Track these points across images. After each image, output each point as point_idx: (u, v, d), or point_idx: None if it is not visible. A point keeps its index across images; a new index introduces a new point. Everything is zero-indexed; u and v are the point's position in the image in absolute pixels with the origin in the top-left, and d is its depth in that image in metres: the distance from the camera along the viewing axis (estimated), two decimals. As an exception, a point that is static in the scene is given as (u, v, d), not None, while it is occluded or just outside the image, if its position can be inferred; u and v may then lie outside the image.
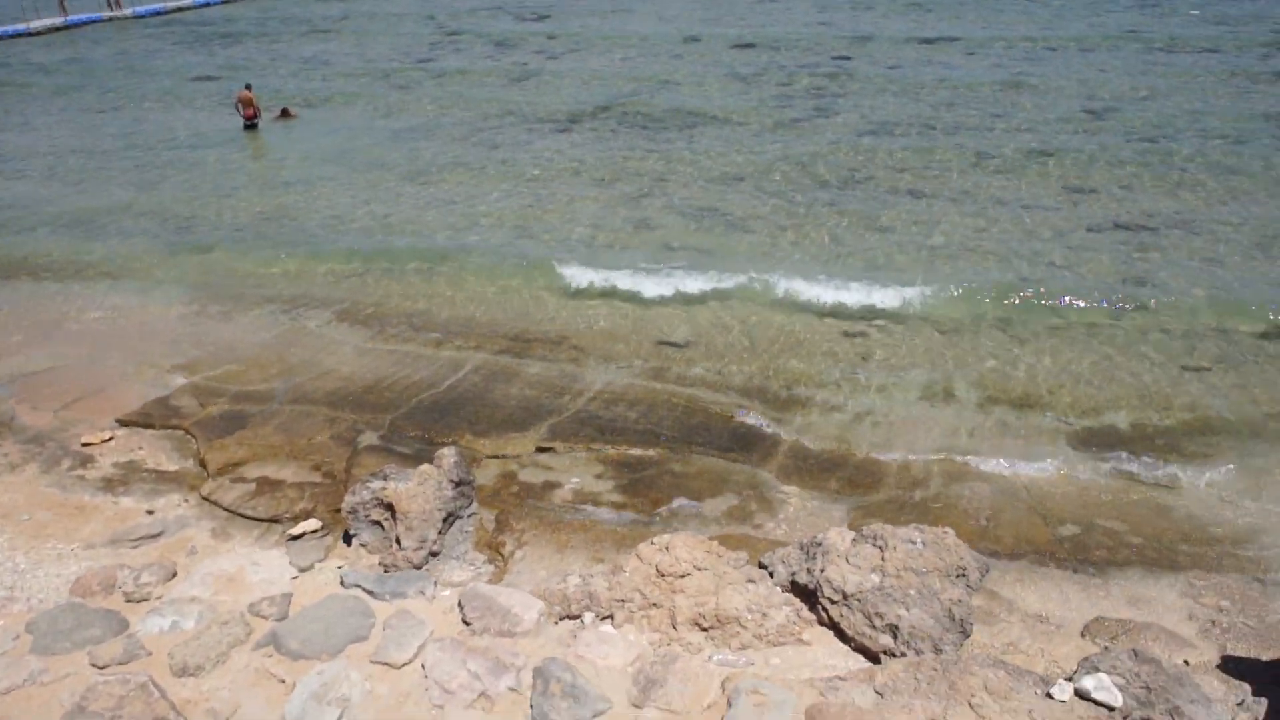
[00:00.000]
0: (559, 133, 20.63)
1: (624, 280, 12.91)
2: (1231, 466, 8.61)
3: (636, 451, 9.05)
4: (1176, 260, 12.89)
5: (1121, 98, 21.43)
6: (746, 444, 9.16)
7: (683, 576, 6.07)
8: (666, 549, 6.18)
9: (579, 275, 13.12)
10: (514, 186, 17.19)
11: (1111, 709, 5.23)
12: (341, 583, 6.05)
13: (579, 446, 9.14)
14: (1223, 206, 14.73)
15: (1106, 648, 6.08)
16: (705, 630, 6.03)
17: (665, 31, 33.50)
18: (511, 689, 4.87)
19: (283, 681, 4.99)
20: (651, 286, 12.71)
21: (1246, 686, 5.88)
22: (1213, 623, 6.69)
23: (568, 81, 25.96)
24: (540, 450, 9.11)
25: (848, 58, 27.18)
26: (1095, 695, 5.23)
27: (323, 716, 4.69)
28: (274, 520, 7.94)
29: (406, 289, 13.12)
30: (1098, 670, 5.54)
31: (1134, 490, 8.36)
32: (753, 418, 9.61)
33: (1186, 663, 6.20)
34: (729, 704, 4.64)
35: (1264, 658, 6.24)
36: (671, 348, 11.14)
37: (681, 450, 9.05)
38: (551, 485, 8.55)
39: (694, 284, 12.68)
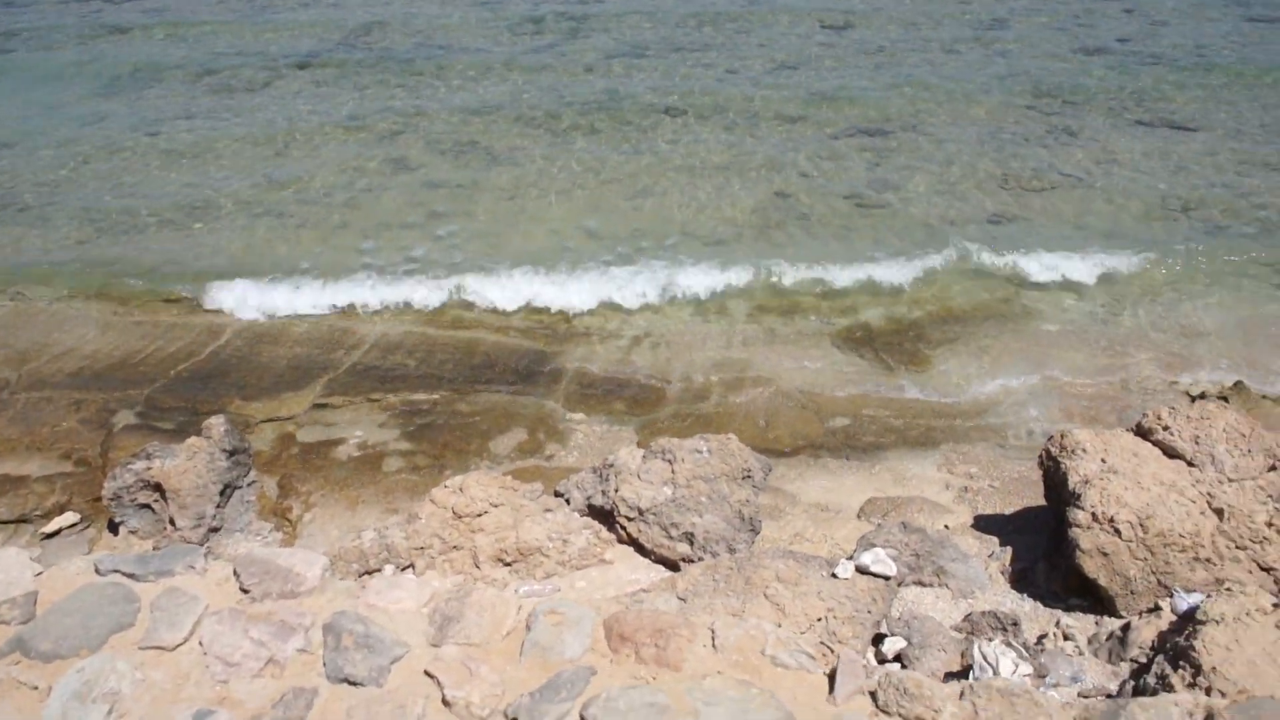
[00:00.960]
0: (299, 70, 19.38)
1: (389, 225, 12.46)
2: (970, 348, 9.50)
3: (420, 396, 8.86)
4: (911, 162, 13.87)
5: (854, 13, 22.55)
6: (531, 378, 9.17)
7: (480, 515, 6.05)
8: (461, 490, 6.13)
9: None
10: (254, 132, 16.04)
11: (888, 578, 5.72)
12: (97, 570, 5.55)
13: (359, 399, 8.84)
14: (943, 109, 15.95)
15: (879, 524, 6.61)
16: (509, 565, 6.06)
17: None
18: (301, 650, 4.70)
19: (35, 688, 4.57)
20: (415, 226, 12.32)
21: (994, 539, 6.60)
22: (965, 489, 7.43)
23: (307, 14, 24.34)
24: (318, 407, 8.74)
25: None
26: (873, 568, 5.69)
27: (89, 716, 4.35)
28: (22, 521, 7.22)
29: (149, 251, 12.04)
30: (873, 546, 6.03)
31: (892, 377, 9.07)
32: (530, 353, 9.62)
33: (946, 527, 6.87)
34: (527, 628, 4.70)
35: (1007, 512, 7.01)
36: (447, 290, 10.91)
37: (466, 391, 8.95)
38: (334, 442, 8.25)
39: (458, 224, 12.40)
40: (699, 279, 10.86)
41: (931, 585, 6.10)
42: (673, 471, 6.43)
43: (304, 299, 10.57)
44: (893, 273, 10.93)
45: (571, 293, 10.65)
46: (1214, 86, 17.06)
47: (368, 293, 10.63)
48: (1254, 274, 10.87)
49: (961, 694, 4.16)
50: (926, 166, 13.68)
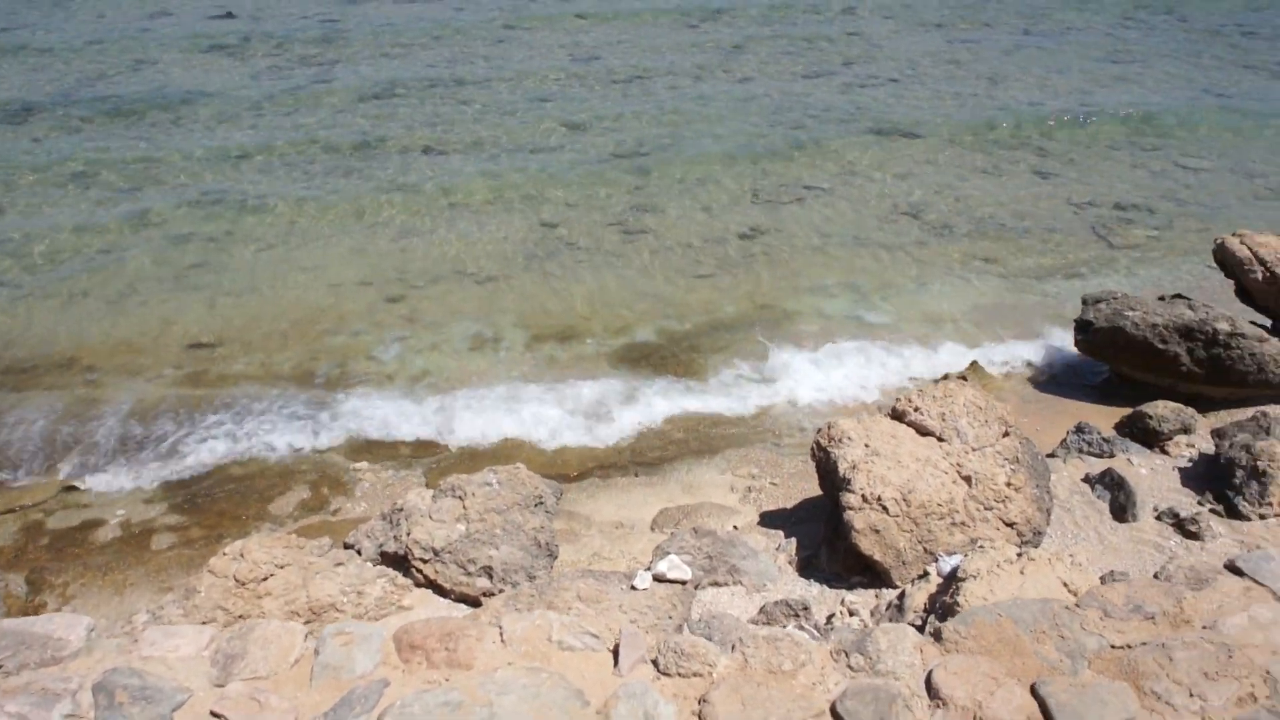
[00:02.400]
0: (15, 123, 17.72)
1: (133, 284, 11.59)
2: (741, 354, 9.98)
3: (189, 463, 8.30)
4: (669, 184, 14.44)
5: (601, 45, 23.23)
6: (308, 430, 8.80)
7: (265, 579, 5.75)
8: (242, 555, 5.79)
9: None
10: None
11: (685, 583, 5.91)
12: None
13: (118, 474, 8.16)
14: (693, 132, 16.73)
15: (672, 533, 6.82)
16: (305, 626, 5.78)
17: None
18: (70, 715, 4.29)
19: None
20: (166, 286, 11.55)
21: (780, 532, 6.96)
22: (749, 489, 7.79)
23: (19, 63, 22.30)
24: (68, 490, 8.00)
25: (337, 20, 26.41)
26: (670, 575, 5.87)
27: None
28: None
29: None
30: (668, 554, 6.21)
31: (670, 391, 9.37)
32: (307, 403, 9.24)
33: (735, 527, 7.17)
34: (316, 653, 4.54)
35: (789, 506, 7.41)
36: (204, 349, 10.27)
37: (239, 452, 8.46)
38: (92, 525, 7.57)
39: (211, 277, 11.74)
40: (474, 312, 10.82)
41: (727, 584, 6.35)
42: (464, 508, 6.36)
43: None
44: (662, 290, 11.32)
45: (346, 337, 10.33)
46: (929, 96, 18.86)
47: (116, 360, 9.86)
48: (976, 267, 12.07)
49: (732, 646, 4.49)
50: (683, 188, 14.28)
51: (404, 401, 9.24)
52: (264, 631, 4.76)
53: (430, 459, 8.41)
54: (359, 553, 6.48)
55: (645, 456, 8.39)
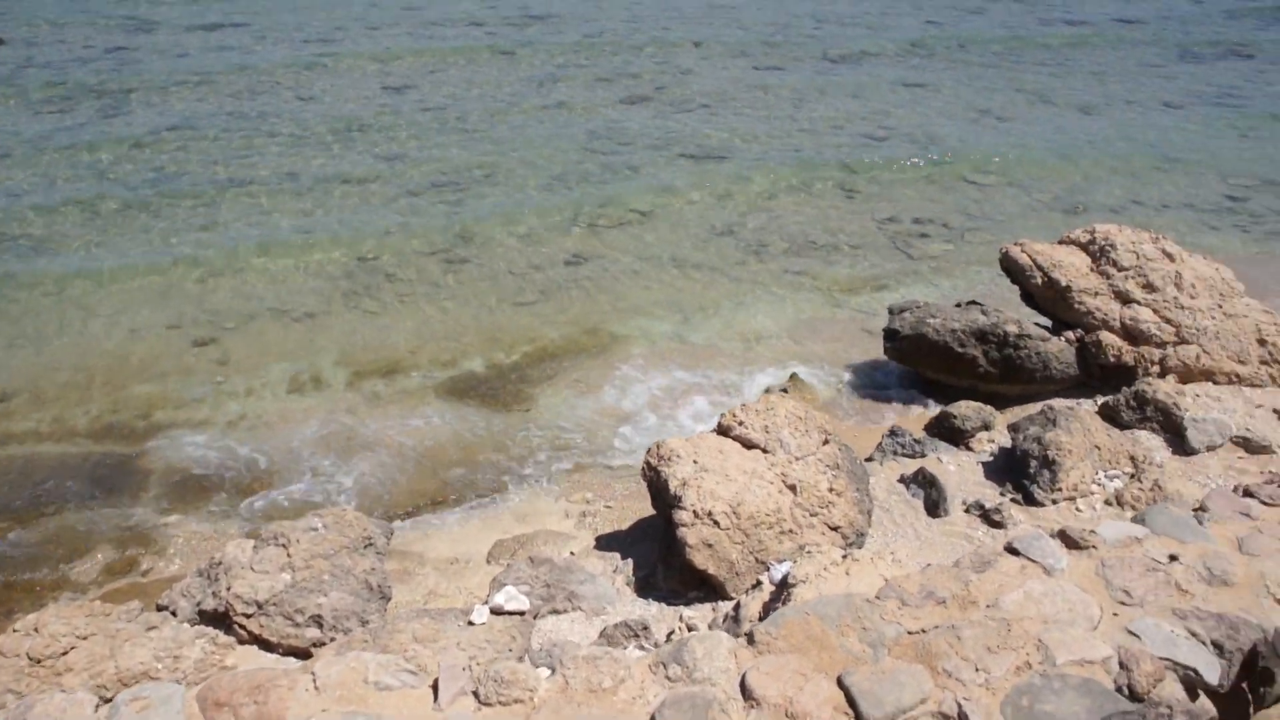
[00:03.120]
0: None
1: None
2: (569, 381, 10.02)
3: (-30, 535, 7.56)
4: (489, 213, 14.36)
5: (413, 75, 22.91)
6: (111, 486, 8.20)
7: (65, 654, 5.29)
8: (36, 630, 5.31)
9: None
10: None
11: (523, 613, 5.84)
12: None
13: (-115, 552, 7.34)
14: (512, 161, 16.73)
15: (509, 564, 6.73)
16: (111, 700, 5.36)
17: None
18: None
19: None
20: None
21: (616, 554, 7.00)
22: (583, 513, 7.80)
23: None
24: None
25: (125, 48, 24.91)
26: (508, 607, 5.78)
27: None
28: None
29: None
30: (505, 585, 6.13)
31: (500, 421, 9.29)
32: (109, 457, 8.61)
33: (572, 553, 7.16)
34: (109, 718, 4.25)
35: (624, 527, 7.47)
36: (-13, 405, 9.42)
37: (29, 517, 7.78)
38: None
39: (-2, 326, 10.82)
40: (291, 352, 10.39)
41: (566, 611, 6.32)
42: (289, 555, 6.07)
43: None
44: (487, 320, 11.22)
45: (151, 385, 9.69)
46: (739, 122, 19.57)
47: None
48: (792, 283, 12.59)
49: (552, 670, 4.51)
50: (504, 216, 14.24)
51: (219, 449, 8.76)
52: (46, 707, 4.38)
53: (251, 504, 7.99)
54: (174, 614, 6.07)
55: (477, 487, 8.27)
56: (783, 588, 5.64)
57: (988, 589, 4.51)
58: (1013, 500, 7.44)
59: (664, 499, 6.63)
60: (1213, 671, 3.11)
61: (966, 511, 7.33)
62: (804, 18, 32.62)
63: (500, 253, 13.09)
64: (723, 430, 7.11)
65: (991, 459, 8.13)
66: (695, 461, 6.69)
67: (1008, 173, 17.48)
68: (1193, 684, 3.98)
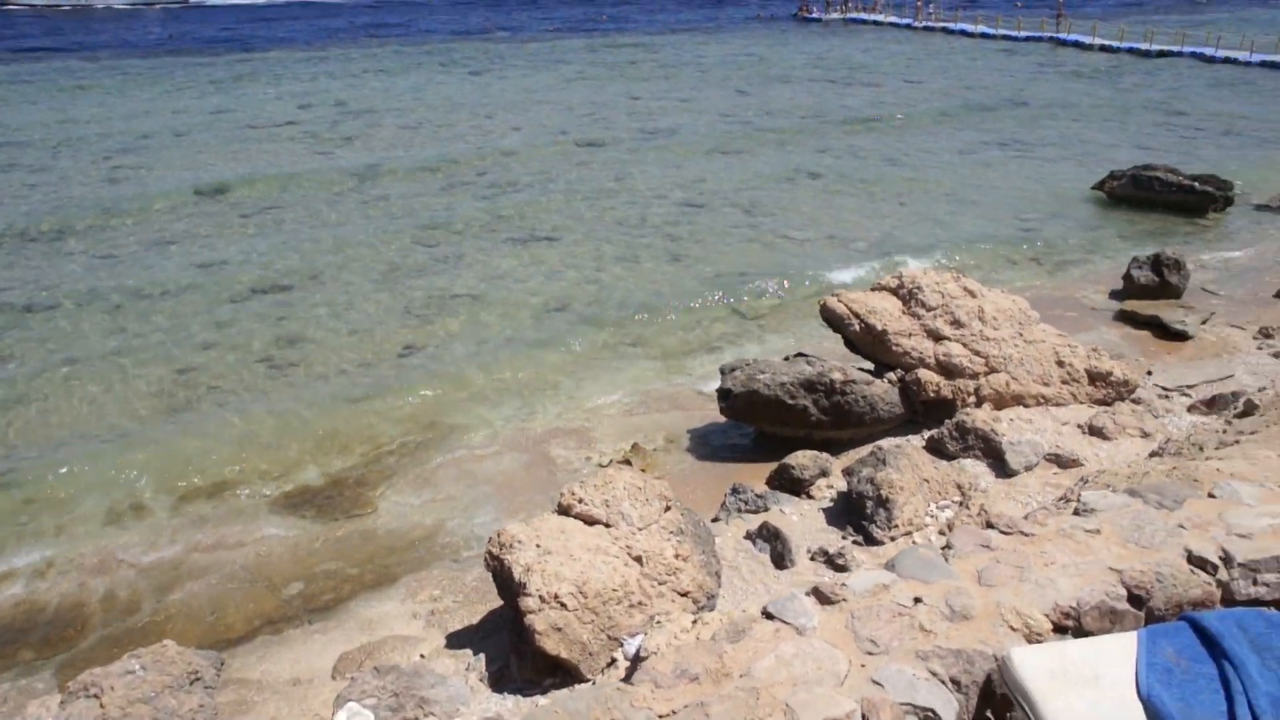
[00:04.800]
0: None
1: None
2: (408, 478, 9.73)
3: None
4: (317, 313, 13.96)
5: (228, 178, 22.24)
6: (-102, 655, 7.37)
7: None
8: None
9: None
10: None
11: (369, 730, 5.53)
12: None
13: None
14: (336, 260, 16.39)
15: (353, 678, 6.39)
16: None
17: None
18: None
19: None
20: None
21: (469, 651, 6.76)
22: (431, 613, 7.51)
23: None
24: None
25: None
26: (351, 726, 5.47)
27: None
28: None
29: None
30: (348, 701, 5.80)
31: (339, 528, 8.90)
32: (-102, 621, 7.76)
33: (422, 656, 6.86)
34: None
35: (474, 621, 7.23)
36: None
37: None
38: None
39: None
40: (105, 480, 9.71)
41: (417, 718, 6.03)
42: (102, 707, 5.57)
43: None
44: (320, 423, 10.82)
45: (-61, 539, 8.83)
46: (562, 197, 19.86)
47: None
48: (627, 352, 12.73)
49: None
50: (332, 315, 13.87)
51: (24, 600, 8.02)
52: None
53: (62, 655, 7.32)
54: (-28, 790, 5.46)
55: (318, 600, 7.86)
56: (636, 661, 5.56)
57: (741, 659, 4.43)
58: (854, 542, 7.63)
59: (509, 588, 6.46)
60: (950, 709, 3.18)
61: (812, 559, 7.46)
62: (619, 97, 33.68)
63: (329, 353, 12.71)
64: (563, 510, 7.03)
65: (832, 504, 8.34)
66: (538, 545, 6.57)
67: (822, 226, 18.34)
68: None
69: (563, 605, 6.14)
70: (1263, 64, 40.38)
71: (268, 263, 16.16)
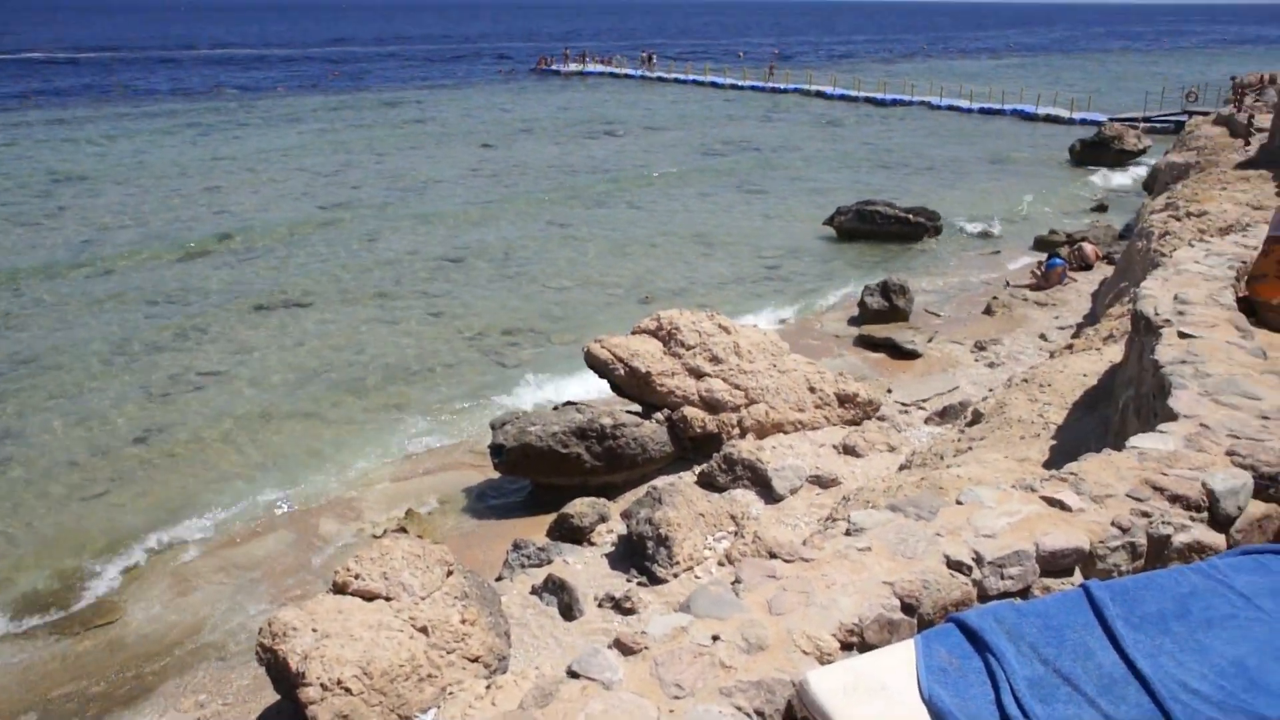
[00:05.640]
0: None
1: None
2: (160, 574, 8.89)
3: None
4: (34, 400, 12.55)
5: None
6: None
7: None
8: None
9: None
10: None
11: None
12: None
13: None
14: (58, 333, 14.88)
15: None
16: None
17: None
18: None
19: None
20: None
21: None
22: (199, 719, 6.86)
23: None
24: None
25: None
26: None
27: None
28: None
29: None
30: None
31: (81, 641, 7.97)
32: None
33: (189, 771, 6.24)
34: None
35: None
36: None
37: None
38: None
39: None
40: None
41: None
42: None
43: None
44: (48, 525, 9.69)
45: None
46: (313, 263, 19.06)
47: None
48: (392, 415, 12.29)
49: None
50: (53, 403, 12.52)
51: None
52: None
53: None
54: None
55: (60, 728, 6.98)
56: (431, 740, 5.33)
57: (551, 724, 4.39)
58: (639, 583, 7.70)
59: (286, 679, 6.03)
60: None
61: (600, 606, 7.47)
62: (362, 155, 32.93)
63: (57, 444, 11.43)
64: (339, 588, 6.65)
65: (613, 548, 8.39)
66: (314, 630, 6.18)
67: (578, 274, 18.67)
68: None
69: (347, 690, 5.79)
70: (981, 111, 45.27)
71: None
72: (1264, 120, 17.89)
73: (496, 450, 9.78)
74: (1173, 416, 4.08)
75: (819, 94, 53.54)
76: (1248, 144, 17.37)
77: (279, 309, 16.40)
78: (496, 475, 10.11)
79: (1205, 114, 27.30)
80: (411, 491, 10.30)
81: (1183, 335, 4.93)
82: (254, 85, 58.18)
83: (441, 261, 19.48)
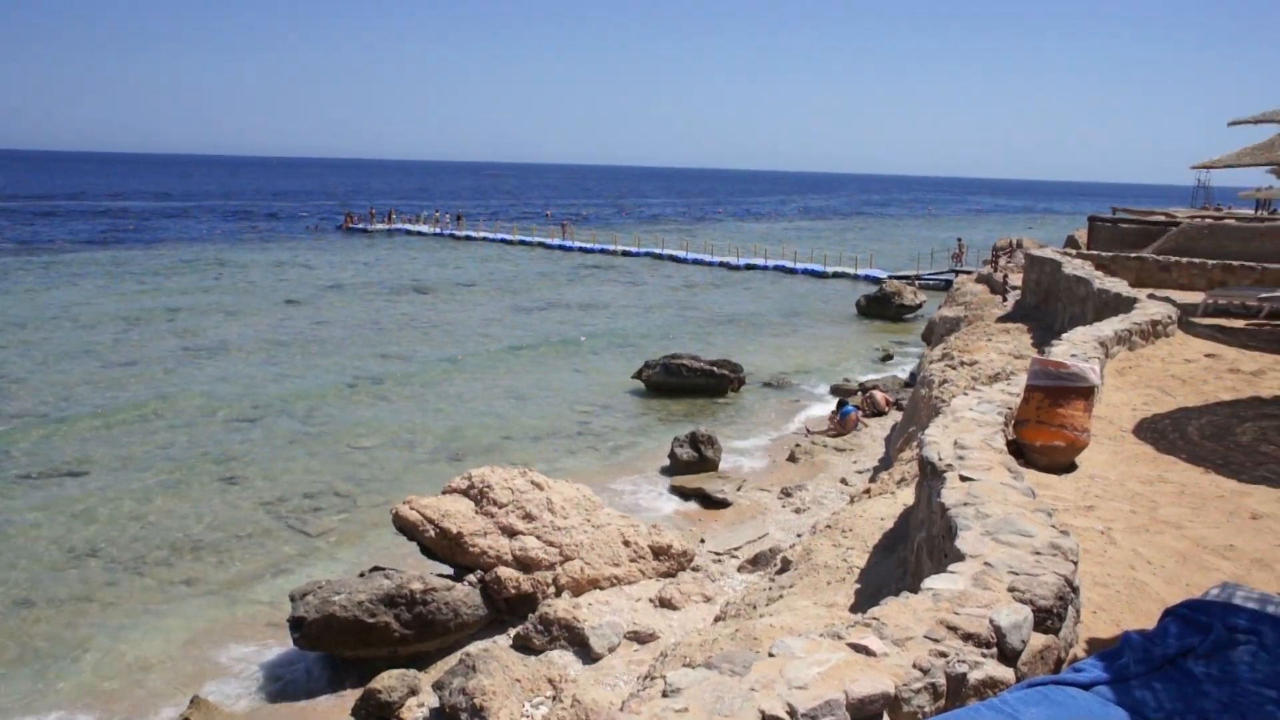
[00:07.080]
0: None
1: None
2: None
3: None
4: None
5: None
6: None
7: None
8: None
9: None
10: None
11: None
12: None
13: None
14: None
15: None
16: None
17: None
18: None
19: None
20: None
21: None
22: None
23: None
24: None
25: None
26: None
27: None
28: None
29: None
30: None
31: None
32: None
33: None
34: None
35: None
36: None
37: None
38: None
39: None
40: None
41: None
42: None
43: None
44: None
45: None
46: (89, 425, 17.63)
47: None
48: (179, 593, 11.30)
49: None
50: None
51: None
52: None
53: None
54: None
55: None
56: None
57: None
58: (453, 762, 7.24)
59: None
60: None
61: (410, 791, 6.94)
62: (154, 310, 31.35)
63: None
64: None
65: (423, 724, 7.90)
66: None
67: (385, 432, 18.16)
68: None
69: None
70: (776, 268, 48.38)
71: None
72: (1016, 279, 20.08)
73: (296, 624, 9.12)
74: (960, 556, 4.31)
75: (624, 253, 55.81)
76: (1005, 299, 19.43)
77: (48, 477, 15.01)
78: (298, 650, 9.40)
79: (969, 273, 30.45)
80: (199, 673, 9.38)
81: (964, 479, 5.28)
82: (36, 238, 54.86)
83: (238, 421, 18.52)
